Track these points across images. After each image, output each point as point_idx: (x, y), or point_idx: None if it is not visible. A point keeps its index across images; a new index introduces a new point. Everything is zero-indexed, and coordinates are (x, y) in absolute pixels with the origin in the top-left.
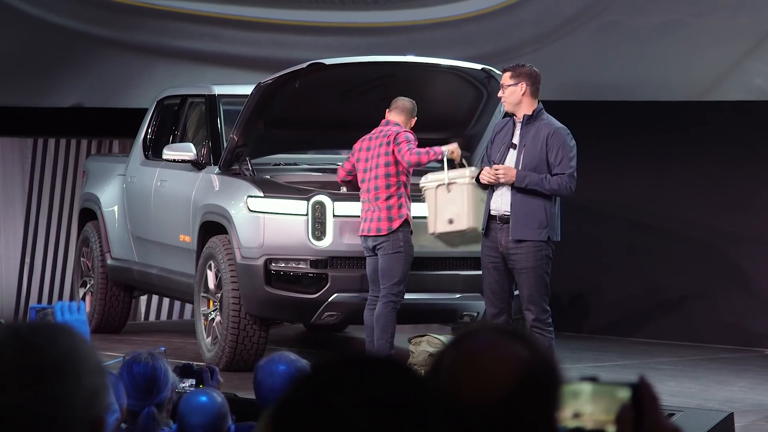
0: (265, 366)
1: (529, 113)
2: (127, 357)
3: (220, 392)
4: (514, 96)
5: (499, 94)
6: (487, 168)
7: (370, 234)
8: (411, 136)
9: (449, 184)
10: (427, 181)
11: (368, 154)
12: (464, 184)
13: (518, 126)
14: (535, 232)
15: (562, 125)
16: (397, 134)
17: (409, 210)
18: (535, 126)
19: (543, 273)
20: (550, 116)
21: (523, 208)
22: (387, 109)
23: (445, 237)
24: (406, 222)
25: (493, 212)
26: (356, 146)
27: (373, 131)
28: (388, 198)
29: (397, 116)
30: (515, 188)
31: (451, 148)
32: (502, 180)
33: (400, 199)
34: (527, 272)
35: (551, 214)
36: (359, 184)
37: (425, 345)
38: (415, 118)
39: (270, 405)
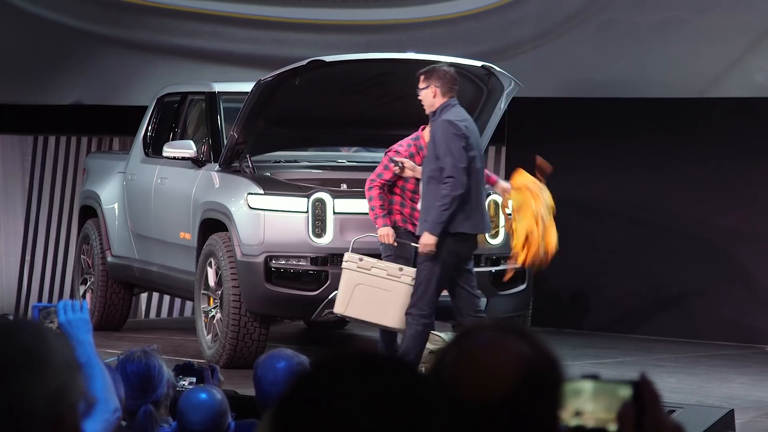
0: (264, 362)
1: (434, 111)
2: (121, 356)
3: (219, 389)
4: (427, 99)
5: (419, 97)
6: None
7: None
8: (394, 152)
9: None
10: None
11: None
12: (409, 284)
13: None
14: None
15: (450, 118)
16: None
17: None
18: (434, 123)
19: (430, 266)
20: (453, 110)
21: (424, 203)
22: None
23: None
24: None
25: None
26: None
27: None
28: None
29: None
30: (422, 189)
31: (382, 233)
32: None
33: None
34: (420, 265)
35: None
36: None
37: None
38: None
39: (270, 402)
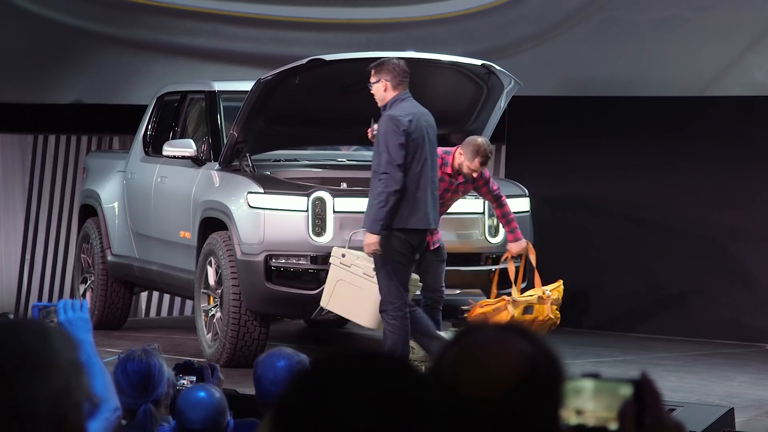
0: (264, 361)
1: (384, 105)
2: (122, 355)
3: (218, 388)
4: (378, 93)
5: (371, 91)
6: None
7: None
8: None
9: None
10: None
11: None
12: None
13: None
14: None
15: (395, 113)
16: None
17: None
18: (381, 118)
19: (385, 264)
20: (402, 105)
21: (369, 197)
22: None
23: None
24: None
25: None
26: None
27: None
28: None
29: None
30: (371, 184)
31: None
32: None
33: None
34: (375, 263)
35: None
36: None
37: None
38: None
39: (270, 401)
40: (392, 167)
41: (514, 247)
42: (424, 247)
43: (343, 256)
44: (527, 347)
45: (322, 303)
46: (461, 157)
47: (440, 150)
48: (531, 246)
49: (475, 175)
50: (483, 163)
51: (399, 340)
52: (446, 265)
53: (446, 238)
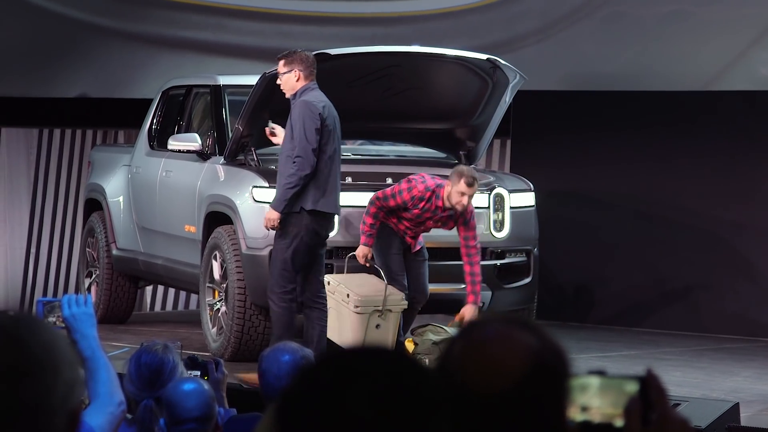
0: (269, 355)
1: (294, 94)
2: (144, 343)
3: (202, 379)
4: (289, 82)
5: (278, 81)
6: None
7: None
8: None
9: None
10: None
11: None
12: (351, 310)
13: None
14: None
15: (309, 99)
16: None
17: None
18: (294, 105)
19: (286, 244)
20: (312, 93)
21: (281, 182)
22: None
23: None
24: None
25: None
26: None
27: None
28: None
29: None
30: (279, 167)
31: (360, 253)
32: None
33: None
34: (274, 245)
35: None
36: None
37: (429, 334)
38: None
39: (275, 395)
40: (307, 151)
41: (468, 313)
42: (328, 236)
43: (329, 283)
44: (533, 341)
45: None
46: (449, 186)
47: (432, 182)
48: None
49: (459, 207)
50: (469, 185)
51: (284, 326)
52: (450, 260)
53: (451, 232)
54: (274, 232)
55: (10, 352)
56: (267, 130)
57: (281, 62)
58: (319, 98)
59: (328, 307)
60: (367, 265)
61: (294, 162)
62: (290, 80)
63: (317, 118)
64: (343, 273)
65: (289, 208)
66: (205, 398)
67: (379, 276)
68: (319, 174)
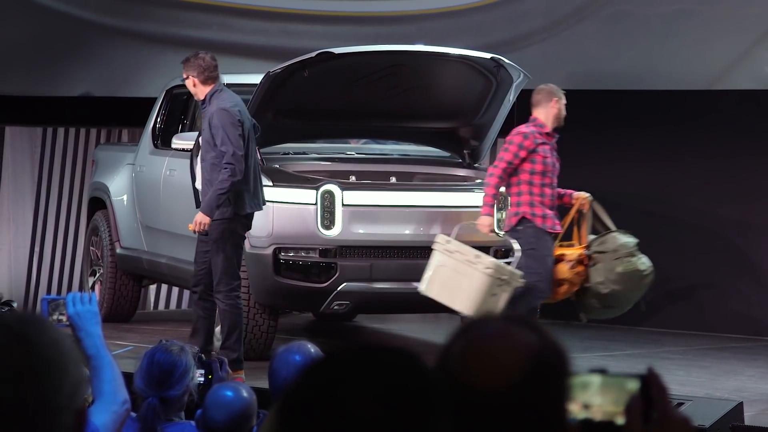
0: (281, 355)
1: (201, 99)
2: (164, 341)
3: (250, 390)
4: (190, 89)
5: (186, 84)
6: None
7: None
8: (514, 141)
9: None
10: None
11: None
12: (482, 272)
13: (202, 113)
14: (219, 211)
15: (225, 106)
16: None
17: (530, 207)
18: (208, 110)
19: (225, 247)
20: (223, 96)
21: (209, 189)
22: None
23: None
24: (523, 219)
25: (201, 194)
26: None
27: None
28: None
29: (535, 109)
30: (203, 173)
31: (485, 223)
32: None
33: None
34: (213, 250)
35: (234, 192)
36: None
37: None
38: (556, 97)
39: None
40: (237, 157)
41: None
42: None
43: (448, 242)
44: (533, 339)
45: (421, 287)
46: (549, 107)
47: (523, 127)
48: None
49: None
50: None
51: (235, 322)
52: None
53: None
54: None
55: (18, 350)
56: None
57: (187, 66)
58: (231, 101)
59: (438, 264)
60: (491, 233)
61: (225, 169)
62: (189, 86)
63: (237, 123)
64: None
65: (219, 215)
66: (238, 413)
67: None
68: (246, 176)
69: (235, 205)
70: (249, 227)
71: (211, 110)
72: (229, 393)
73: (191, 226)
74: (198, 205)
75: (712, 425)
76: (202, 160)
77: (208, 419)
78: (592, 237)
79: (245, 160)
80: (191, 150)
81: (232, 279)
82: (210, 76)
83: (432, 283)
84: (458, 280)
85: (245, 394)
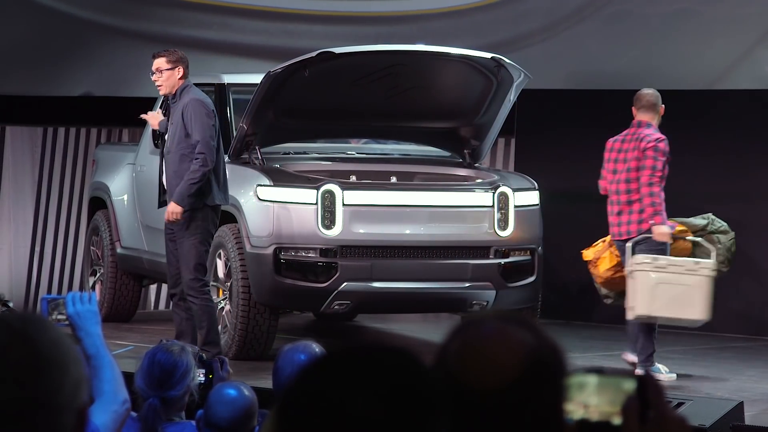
0: (287, 353)
1: (174, 92)
2: (164, 341)
3: (251, 389)
4: (171, 80)
5: (154, 78)
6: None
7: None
8: (660, 148)
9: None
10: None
11: (618, 156)
12: (708, 275)
13: (170, 108)
14: (188, 201)
15: (200, 97)
16: (647, 147)
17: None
18: (179, 103)
19: (194, 238)
20: (194, 90)
21: (176, 181)
22: (633, 106)
23: (663, 320)
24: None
25: (166, 187)
26: (608, 145)
27: (626, 132)
28: (632, 203)
29: (646, 114)
30: (168, 166)
31: (666, 231)
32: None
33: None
34: (181, 241)
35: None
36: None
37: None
38: (662, 105)
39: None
40: (209, 147)
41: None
42: None
43: (655, 259)
44: (530, 338)
45: (643, 311)
46: (662, 109)
47: (656, 133)
48: None
49: None
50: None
51: (213, 316)
52: (454, 258)
53: (455, 231)
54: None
55: (20, 350)
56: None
57: (163, 59)
58: (203, 94)
59: (656, 282)
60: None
61: (197, 158)
62: (173, 78)
63: (212, 114)
64: None
65: (191, 204)
66: (242, 411)
67: None
68: (216, 169)
69: (204, 194)
70: (217, 223)
71: (183, 102)
72: (232, 391)
73: (165, 217)
74: (161, 201)
75: (713, 425)
76: (167, 153)
77: (211, 416)
78: None
79: (216, 152)
80: (160, 146)
81: (203, 273)
82: (188, 72)
83: (654, 303)
84: (685, 291)
85: (247, 393)
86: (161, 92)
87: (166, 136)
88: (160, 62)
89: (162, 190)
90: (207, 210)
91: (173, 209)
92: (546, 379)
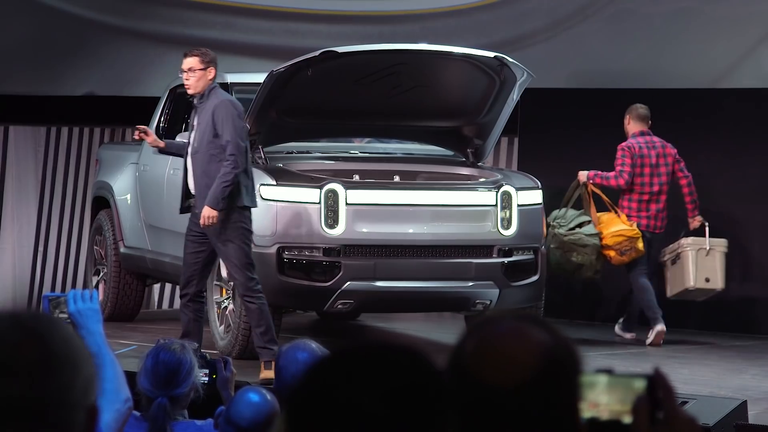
0: (287, 352)
1: (202, 92)
2: (161, 341)
3: (275, 399)
4: (203, 80)
5: (185, 77)
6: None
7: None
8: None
9: (709, 249)
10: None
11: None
12: (722, 252)
13: (197, 108)
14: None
15: (230, 98)
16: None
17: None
18: (207, 103)
19: (236, 239)
20: (221, 91)
21: (204, 181)
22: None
23: (697, 292)
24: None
25: (193, 191)
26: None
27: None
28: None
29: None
30: (196, 166)
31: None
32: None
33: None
34: (223, 247)
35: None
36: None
37: None
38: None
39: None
40: (240, 149)
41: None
42: None
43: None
44: (545, 337)
45: (690, 284)
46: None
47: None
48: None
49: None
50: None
51: (267, 316)
52: (458, 257)
53: (458, 230)
54: (234, 232)
55: (32, 347)
56: (137, 134)
57: (196, 59)
58: (231, 96)
59: (688, 259)
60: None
61: (227, 161)
62: (204, 78)
63: (243, 116)
64: None
65: (224, 205)
66: (264, 416)
67: None
68: (246, 171)
69: (233, 196)
70: (251, 223)
71: (213, 103)
72: (259, 396)
73: (201, 222)
74: (183, 207)
75: (716, 424)
76: (195, 153)
77: (233, 414)
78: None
79: (245, 153)
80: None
81: (253, 273)
82: (217, 73)
83: (696, 277)
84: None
85: (271, 399)
86: (189, 92)
87: (191, 137)
88: (192, 62)
89: (185, 196)
90: (238, 210)
91: (208, 213)
92: (562, 377)
